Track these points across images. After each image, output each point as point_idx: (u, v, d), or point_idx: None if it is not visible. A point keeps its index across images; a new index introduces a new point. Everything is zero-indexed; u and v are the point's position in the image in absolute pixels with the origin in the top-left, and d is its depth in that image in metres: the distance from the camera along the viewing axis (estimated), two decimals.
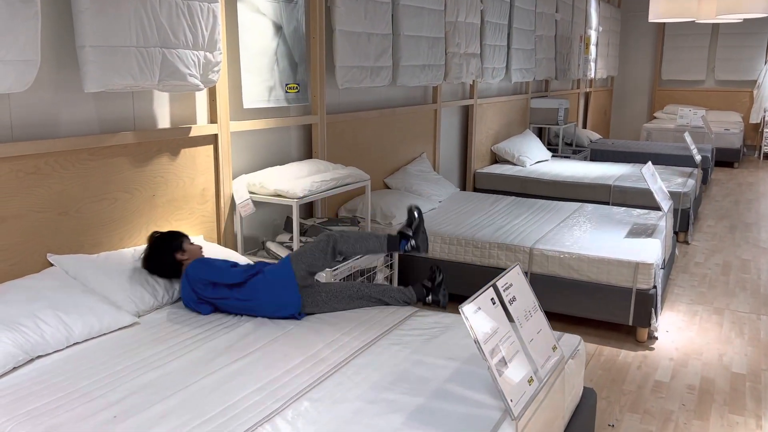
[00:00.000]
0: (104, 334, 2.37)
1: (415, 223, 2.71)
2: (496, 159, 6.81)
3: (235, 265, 2.68)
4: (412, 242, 2.68)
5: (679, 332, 3.72)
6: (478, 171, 6.27)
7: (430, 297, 2.73)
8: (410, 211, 2.76)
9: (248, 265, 2.72)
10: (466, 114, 6.20)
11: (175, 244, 2.71)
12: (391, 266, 3.82)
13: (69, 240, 2.66)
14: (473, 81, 5.97)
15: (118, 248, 2.86)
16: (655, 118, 11.05)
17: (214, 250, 3.03)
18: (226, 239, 3.39)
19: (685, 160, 7.50)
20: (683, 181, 5.83)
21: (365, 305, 2.66)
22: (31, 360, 2.15)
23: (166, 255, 2.68)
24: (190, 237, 2.84)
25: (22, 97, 2.47)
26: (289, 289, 2.53)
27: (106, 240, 2.80)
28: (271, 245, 3.44)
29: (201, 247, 2.81)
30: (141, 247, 2.86)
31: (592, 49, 9.15)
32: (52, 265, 2.57)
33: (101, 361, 2.16)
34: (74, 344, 2.27)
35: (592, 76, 9.29)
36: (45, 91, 2.54)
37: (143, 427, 1.77)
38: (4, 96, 2.41)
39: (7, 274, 2.45)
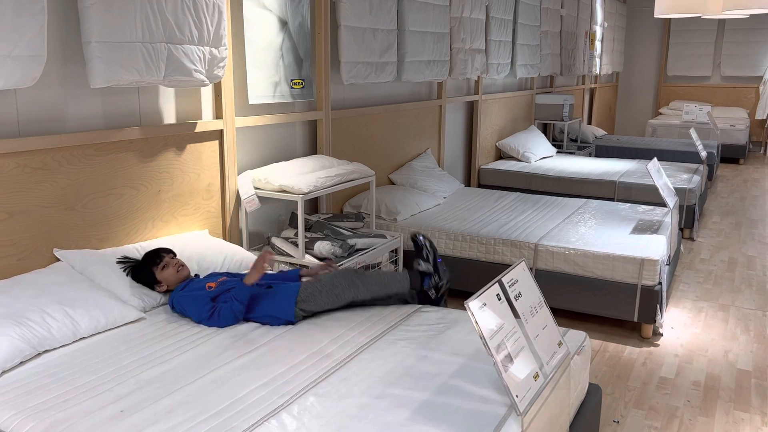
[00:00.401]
0: (110, 329, 2.38)
1: (430, 256, 2.57)
2: (500, 155, 6.80)
3: (214, 280, 2.58)
4: (435, 278, 2.56)
5: (684, 329, 3.72)
6: (483, 167, 6.26)
7: (431, 281, 2.55)
8: (416, 242, 2.59)
9: (227, 275, 2.65)
10: (471, 110, 6.19)
11: (149, 279, 2.59)
12: (396, 262, 3.82)
13: (75, 235, 2.66)
14: (478, 77, 5.96)
15: (124, 243, 2.86)
16: (660, 114, 11.01)
17: (219, 246, 3.04)
18: (231, 234, 3.39)
19: (691, 157, 7.48)
20: (689, 178, 5.82)
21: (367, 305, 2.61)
22: (38, 354, 2.15)
23: (146, 283, 2.61)
24: (204, 228, 2.82)
25: (29, 93, 2.48)
26: (283, 316, 2.45)
27: (112, 235, 2.81)
28: (276, 241, 3.44)
29: (178, 269, 2.62)
30: (146, 243, 2.87)
31: (598, 44, 9.12)
32: (58, 260, 2.58)
33: (108, 355, 2.17)
34: (81, 339, 2.28)
35: (598, 71, 9.26)
36: (51, 87, 2.55)
37: (150, 421, 1.77)
38: (10, 92, 2.41)
39: (14, 269, 2.46)
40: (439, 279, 2.56)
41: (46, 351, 2.18)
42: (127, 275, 2.60)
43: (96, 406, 1.85)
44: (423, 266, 2.57)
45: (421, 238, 2.58)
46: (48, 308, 2.23)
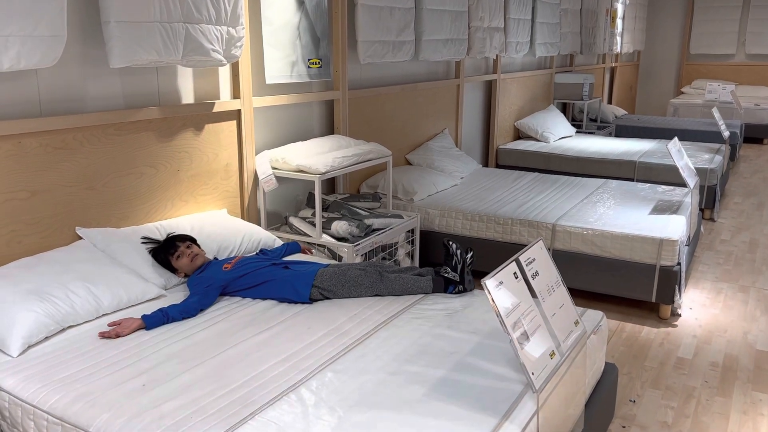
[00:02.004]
0: (132, 305, 2.42)
1: (459, 266, 2.57)
2: (519, 135, 6.75)
3: (231, 264, 2.62)
4: (460, 287, 2.57)
5: (703, 309, 3.69)
6: (501, 147, 6.22)
7: (455, 289, 2.58)
8: (447, 249, 2.58)
9: (262, 252, 2.72)
10: (489, 89, 6.14)
11: (167, 266, 2.64)
12: (412, 242, 3.83)
13: (97, 214, 2.70)
14: (497, 56, 5.90)
15: (144, 222, 2.90)
16: (682, 93, 10.82)
17: (237, 226, 3.07)
18: (249, 214, 3.42)
19: (713, 136, 7.36)
20: (710, 158, 5.73)
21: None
22: (63, 330, 2.20)
23: (165, 265, 2.67)
24: (222, 209, 2.85)
25: (50, 73, 2.50)
26: (299, 299, 2.49)
27: (132, 214, 2.85)
28: (293, 220, 3.47)
29: (192, 258, 2.64)
30: (166, 222, 2.91)
31: (619, 22, 8.96)
32: (80, 238, 2.63)
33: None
34: (103, 315, 2.33)
35: (618, 50, 9.11)
36: (72, 67, 2.57)
37: (171, 395, 1.81)
38: (32, 72, 2.44)
39: (38, 246, 2.51)
40: (464, 289, 2.57)
41: (70, 327, 2.23)
42: (150, 254, 2.65)
43: (119, 379, 1.90)
44: (450, 274, 2.59)
45: (453, 245, 2.58)
46: (71, 285, 2.28)
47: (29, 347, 2.09)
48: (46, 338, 2.15)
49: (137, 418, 1.70)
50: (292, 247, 3.02)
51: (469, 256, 2.58)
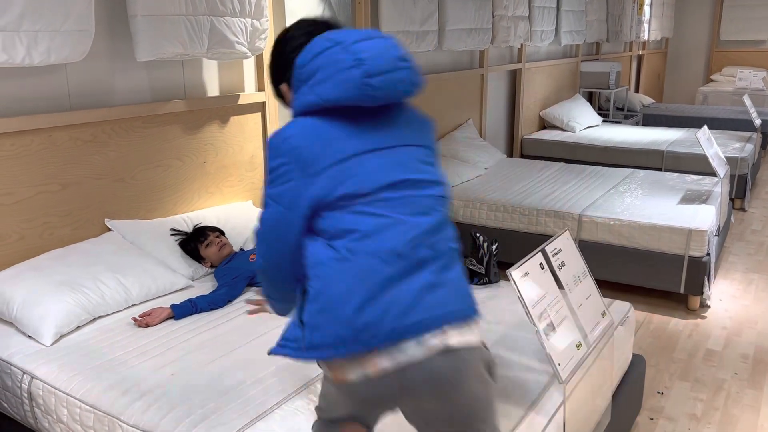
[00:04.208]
0: (161, 296, 2.46)
1: (485, 258, 2.55)
2: (544, 125, 6.68)
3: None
4: (485, 279, 2.56)
5: (733, 301, 3.63)
6: (526, 137, 6.16)
7: (480, 281, 2.57)
8: (474, 240, 2.56)
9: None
10: (514, 79, 6.08)
11: (195, 254, 2.68)
12: None
13: (125, 206, 2.75)
14: (521, 44, 5.83)
15: (172, 214, 2.94)
16: (711, 80, 10.60)
17: None
18: None
19: (744, 125, 7.20)
20: (741, 146, 5.62)
21: None
22: (93, 320, 2.25)
23: (193, 257, 2.70)
24: (244, 201, 2.88)
25: (79, 67, 2.54)
26: None
27: (160, 206, 2.89)
28: None
29: (221, 248, 2.66)
30: (193, 214, 2.94)
31: (646, 9, 8.80)
32: (110, 229, 2.67)
33: None
34: (132, 305, 2.37)
35: (646, 37, 8.95)
36: (100, 61, 2.61)
37: (200, 385, 1.84)
38: (61, 66, 2.48)
39: (69, 238, 2.56)
40: (489, 281, 2.57)
41: (101, 317, 2.27)
42: (179, 245, 2.69)
43: (149, 368, 1.93)
44: (476, 266, 2.58)
45: (480, 238, 2.57)
46: (101, 276, 2.32)
47: (61, 336, 2.13)
48: (78, 328, 2.19)
49: (167, 407, 1.73)
50: None
51: (494, 248, 2.57)
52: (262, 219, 1.29)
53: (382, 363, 1.19)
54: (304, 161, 1.22)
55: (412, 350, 1.19)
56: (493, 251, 2.56)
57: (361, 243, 1.21)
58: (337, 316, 1.18)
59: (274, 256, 1.29)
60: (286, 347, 1.26)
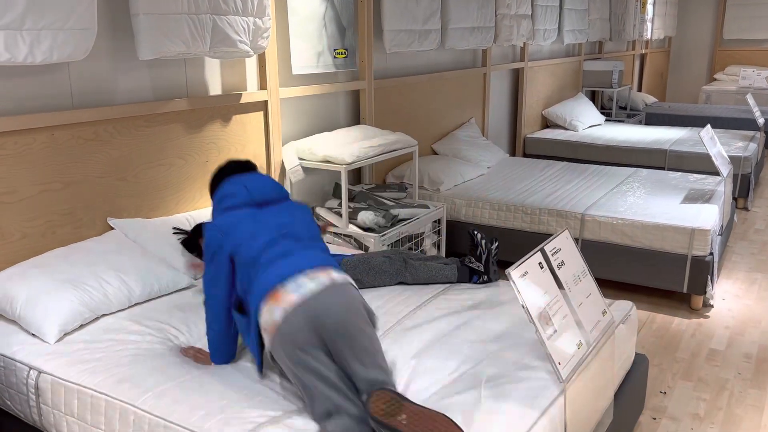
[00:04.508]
0: (163, 295, 2.46)
1: (483, 256, 2.57)
2: (547, 124, 6.67)
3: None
4: (484, 278, 2.56)
5: (736, 300, 3.62)
6: (529, 136, 6.16)
7: (479, 279, 2.58)
8: (472, 238, 2.59)
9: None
10: (517, 77, 6.07)
11: (198, 251, 2.67)
12: (438, 232, 3.82)
13: (128, 204, 2.75)
14: (524, 43, 5.83)
15: (174, 213, 2.94)
16: (715, 80, 10.57)
17: None
18: None
19: (747, 124, 7.18)
20: (744, 145, 5.60)
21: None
22: (97, 318, 2.25)
23: (196, 251, 2.70)
24: None
25: (81, 66, 2.55)
26: None
27: (162, 205, 2.89)
28: (320, 211, 3.48)
29: None
30: (196, 213, 2.95)
31: (649, 8, 8.78)
32: (112, 228, 2.68)
33: (162, 319, 2.25)
34: (136, 304, 2.37)
35: (649, 36, 8.93)
36: (102, 60, 2.61)
37: (205, 381, 1.84)
38: (63, 65, 2.49)
39: (71, 237, 2.57)
40: (488, 279, 2.56)
41: (104, 315, 2.28)
42: (181, 244, 2.69)
43: (160, 364, 1.94)
44: (474, 264, 2.58)
45: (478, 235, 2.57)
46: (104, 275, 2.33)
47: (65, 335, 2.14)
48: (82, 326, 2.20)
49: (181, 397, 1.74)
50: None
51: (494, 246, 2.57)
52: None
53: (292, 298, 1.72)
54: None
55: (308, 285, 1.75)
56: (492, 249, 2.56)
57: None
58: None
59: None
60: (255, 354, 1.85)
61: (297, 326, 1.69)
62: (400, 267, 2.54)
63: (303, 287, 1.75)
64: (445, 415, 1.54)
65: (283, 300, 1.73)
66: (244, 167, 2.18)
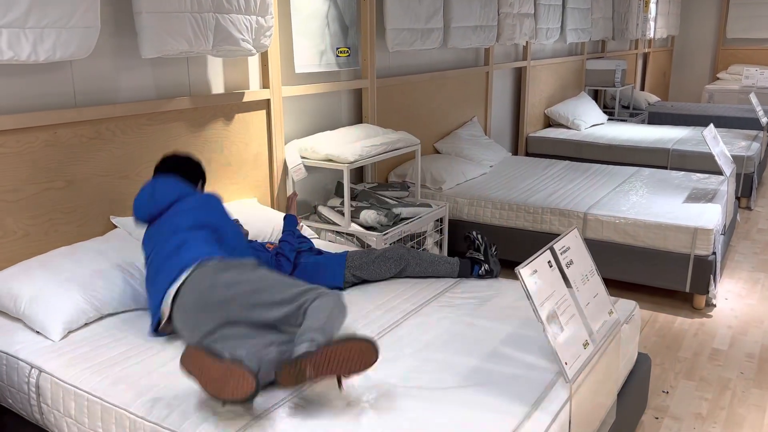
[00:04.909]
0: None
1: (482, 247, 2.63)
2: (549, 123, 6.66)
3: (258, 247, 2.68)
4: (486, 266, 2.61)
5: (739, 300, 3.61)
6: (531, 135, 6.15)
7: (481, 269, 2.62)
8: (468, 237, 2.66)
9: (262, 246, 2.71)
10: (519, 76, 6.06)
11: None
12: (441, 231, 3.81)
13: (130, 202, 2.75)
14: (526, 42, 5.82)
15: None
16: (718, 79, 10.55)
17: (267, 215, 3.09)
18: (279, 203, 3.44)
19: (750, 123, 7.17)
20: (747, 145, 5.59)
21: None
22: (101, 317, 2.25)
23: None
24: (245, 199, 2.88)
25: (84, 64, 2.54)
26: (332, 282, 2.51)
27: None
28: (322, 210, 3.48)
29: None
30: None
31: (652, 7, 8.76)
32: (115, 226, 2.67)
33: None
34: (139, 308, 2.36)
35: (652, 35, 8.91)
36: (105, 58, 2.61)
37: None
38: (66, 63, 2.48)
39: (74, 235, 2.56)
40: (490, 269, 2.61)
41: (109, 315, 2.27)
42: None
43: (156, 363, 1.93)
44: (475, 254, 2.65)
45: (474, 233, 2.66)
46: (108, 273, 2.32)
47: (69, 333, 2.13)
48: (86, 324, 2.19)
49: (176, 401, 1.73)
50: (291, 220, 2.90)
51: (493, 249, 2.63)
52: None
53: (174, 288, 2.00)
54: None
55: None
56: (489, 241, 2.64)
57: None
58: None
59: None
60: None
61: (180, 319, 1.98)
62: (402, 252, 2.59)
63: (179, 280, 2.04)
64: (359, 338, 1.65)
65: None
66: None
